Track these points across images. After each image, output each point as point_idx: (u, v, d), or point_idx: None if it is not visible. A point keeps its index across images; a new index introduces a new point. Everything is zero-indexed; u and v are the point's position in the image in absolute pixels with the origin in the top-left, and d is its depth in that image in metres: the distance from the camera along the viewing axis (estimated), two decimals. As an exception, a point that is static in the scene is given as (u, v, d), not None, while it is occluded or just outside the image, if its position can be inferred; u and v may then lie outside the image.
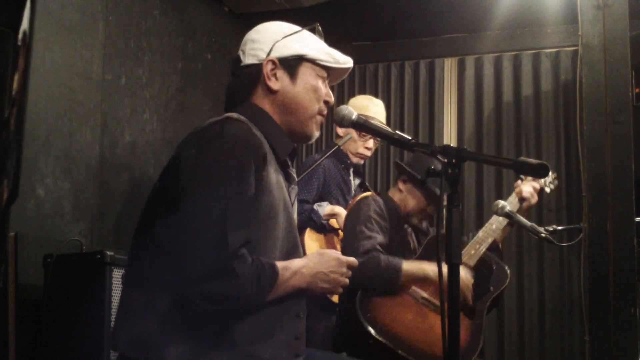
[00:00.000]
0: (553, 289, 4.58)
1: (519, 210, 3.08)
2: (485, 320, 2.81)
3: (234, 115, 1.71)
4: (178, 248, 1.53)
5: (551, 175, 3.26)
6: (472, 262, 2.89)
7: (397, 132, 1.76)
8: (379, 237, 2.82)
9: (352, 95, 5.09)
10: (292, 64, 1.78)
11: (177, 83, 4.00)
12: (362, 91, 5.07)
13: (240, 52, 1.82)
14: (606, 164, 2.96)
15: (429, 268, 2.77)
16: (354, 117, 1.76)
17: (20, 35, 1.04)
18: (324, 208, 3.53)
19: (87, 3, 3.26)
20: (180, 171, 1.62)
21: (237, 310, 1.58)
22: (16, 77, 1.04)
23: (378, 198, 2.99)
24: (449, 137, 4.93)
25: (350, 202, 3.64)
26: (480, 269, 2.90)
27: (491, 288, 2.90)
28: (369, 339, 2.59)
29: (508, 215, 3.06)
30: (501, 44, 4.89)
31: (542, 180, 3.21)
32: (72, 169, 3.13)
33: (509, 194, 4.60)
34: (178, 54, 4.02)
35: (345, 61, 1.86)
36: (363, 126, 1.78)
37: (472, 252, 2.93)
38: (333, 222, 3.54)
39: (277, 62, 1.76)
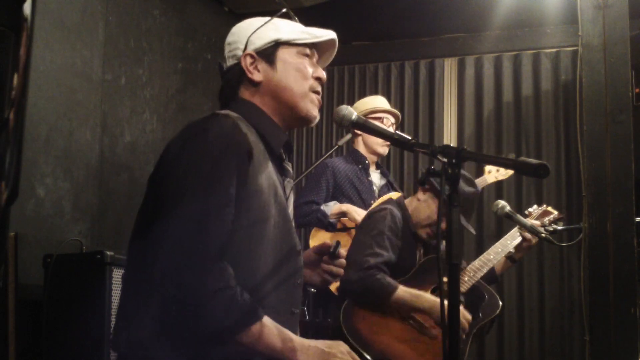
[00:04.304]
0: (553, 289, 4.58)
1: (519, 248, 3.08)
2: (468, 349, 2.79)
3: (222, 112, 1.71)
4: (158, 245, 1.53)
5: (557, 214, 3.26)
6: (463, 288, 2.88)
7: (397, 132, 1.76)
8: (386, 255, 2.83)
9: (352, 95, 5.11)
10: (269, 52, 1.76)
11: (177, 83, 4.00)
12: (362, 91, 5.08)
13: (223, 59, 1.83)
14: (606, 164, 2.96)
15: (425, 301, 2.74)
16: (353, 117, 1.76)
17: (20, 35, 1.04)
18: (330, 207, 3.55)
19: (87, 3, 3.26)
20: (164, 168, 1.63)
21: (197, 321, 1.50)
22: (16, 77, 1.04)
23: (397, 212, 2.97)
24: (449, 137, 4.93)
25: (373, 203, 3.65)
26: (472, 295, 2.90)
27: (480, 315, 2.89)
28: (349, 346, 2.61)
29: (508, 216, 3.06)
30: (501, 44, 4.89)
31: (546, 220, 3.21)
32: (72, 169, 3.13)
33: (509, 194, 4.64)
34: (178, 54, 4.02)
35: (324, 34, 1.82)
36: (363, 126, 1.77)
37: (466, 278, 2.92)
38: (345, 220, 3.56)
39: (254, 54, 1.76)
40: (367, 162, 3.72)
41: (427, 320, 2.76)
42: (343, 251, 1.86)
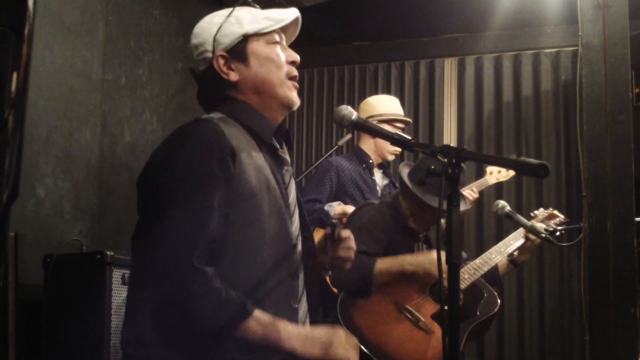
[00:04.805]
0: (553, 289, 4.58)
1: (522, 249, 3.08)
2: (463, 345, 2.78)
3: (203, 117, 1.71)
4: (148, 249, 1.55)
5: (562, 218, 3.25)
6: (463, 285, 2.88)
7: (397, 132, 1.75)
8: (364, 246, 2.80)
9: (352, 95, 5.10)
10: (239, 49, 1.75)
11: (177, 83, 4.00)
12: (362, 91, 5.08)
13: (194, 64, 1.82)
14: (606, 164, 2.96)
15: (405, 262, 2.74)
16: (353, 117, 1.75)
17: (20, 35, 1.04)
18: (334, 208, 3.55)
19: (87, 3, 3.26)
20: (149, 176, 1.65)
21: (188, 327, 1.52)
22: (16, 77, 1.04)
23: (385, 208, 2.96)
24: (449, 137, 4.93)
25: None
26: (470, 292, 2.90)
27: (477, 313, 2.88)
28: None
29: (508, 216, 3.06)
30: (501, 44, 4.89)
31: (552, 223, 3.20)
32: (72, 169, 3.13)
33: (509, 194, 4.64)
34: (178, 54, 4.02)
35: (287, 16, 1.80)
36: (363, 126, 1.77)
37: (466, 276, 2.92)
38: (345, 220, 3.56)
39: (225, 54, 1.74)
40: (370, 161, 3.71)
41: (425, 315, 2.76)
42: (344, 232, 1.82)
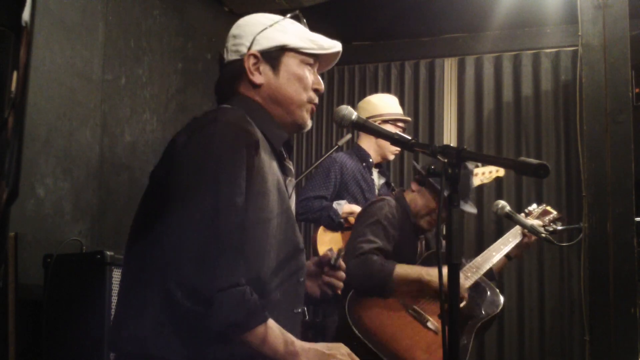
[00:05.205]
0: (553, 289, 4.58)
1: (519, 245, 3.09)
2: (471, 344, 2.80)
3: (228, 105, 1.71)
4: (166, 240, 1.51)
5: (556, 214, 3.26)
6: (467, 284, 2.88)
7: (397, 132, 1.76)
8: (380, 243, 2.84)
9: (352, 95, 5.11)
10: (274, 56, 1.74)
11: (177, 83, 4.00)
12: (362, 91, 5.08)
13: (224, 50, 1.80)
14: (606, 164, 2.96)
15: (423, 271, 2.78)
16: (353, 117, 1.75)
17: (20, 35, 1.04)
18: (342, 206, 3.56)
19: (87, 3, 3.26)
20: (171, 158, 1.60)
21: (205, 321, 1.49)
22: (16, 77, 1.04)
23: (393, 203, 2.99)
24: (449, 137, 4.93)
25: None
26: (474, 292, 2.90)
27: (482, 312, 2.89)
28: (354, 339, 2.60)
29: (508, 216, 3.06)
30: (501, 44, 4.89)
31: (546, 219, 3.21)
32: (72, 169, 3.13)
33: (509, 194, 4.64)
34: (178, 54, 4.02)
35: (331, 46, 1.80)
36: (363, 126, 1.77)
37: (469, 274, 2.92)
38: (352, 219, 3.57)
39: (258, 55, 1.74)
40: (371, 160, 3.71)
41: (432, 315, 2.77)
42: (344, 263, 1.85)
